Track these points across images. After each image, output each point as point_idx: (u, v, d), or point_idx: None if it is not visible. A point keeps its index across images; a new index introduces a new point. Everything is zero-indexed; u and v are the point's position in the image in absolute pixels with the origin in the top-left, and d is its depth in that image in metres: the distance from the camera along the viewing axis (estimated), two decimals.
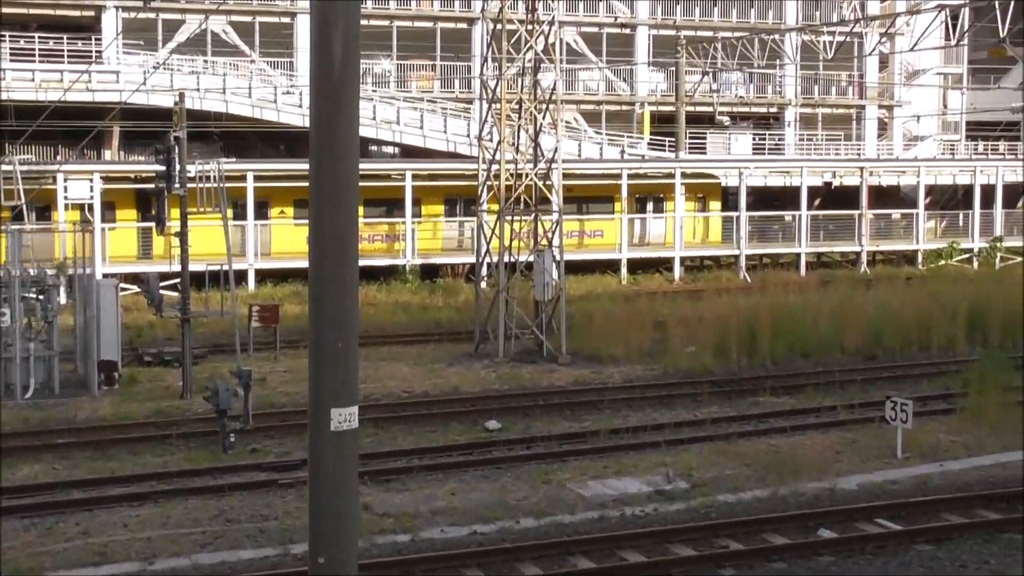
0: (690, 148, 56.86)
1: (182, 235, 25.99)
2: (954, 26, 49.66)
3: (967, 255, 53.26)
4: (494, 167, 31.46)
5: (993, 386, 24.23)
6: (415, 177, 45.14)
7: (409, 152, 53.35)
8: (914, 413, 20.80)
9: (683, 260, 48.55)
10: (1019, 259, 52.50)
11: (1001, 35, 38.63)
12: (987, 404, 23.51)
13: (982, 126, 65.78)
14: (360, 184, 7.63)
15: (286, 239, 43.90)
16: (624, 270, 47.08)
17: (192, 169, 27.32)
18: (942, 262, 52.05)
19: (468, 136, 51.53)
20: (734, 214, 50.23)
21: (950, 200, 59.95)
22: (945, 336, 31.23)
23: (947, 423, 23.31)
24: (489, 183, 32.10)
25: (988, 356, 26.96)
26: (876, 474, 19.66)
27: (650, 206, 50.90)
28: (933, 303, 33.33)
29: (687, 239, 49.97)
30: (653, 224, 50.43)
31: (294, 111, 50.49)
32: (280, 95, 51.22)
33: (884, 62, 65.94)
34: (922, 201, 53.46)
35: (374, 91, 53.51)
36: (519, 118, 31.70)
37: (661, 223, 50.36)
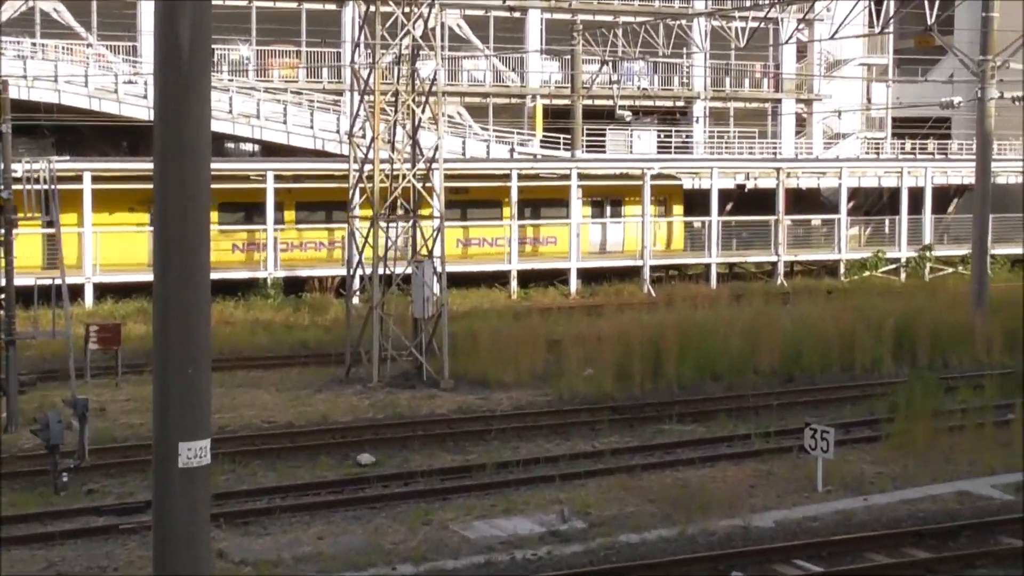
0: (588, 146, 57.35)
1: (6, 244, 25.50)
2: (878, 12, 50.79)
3: (894, 265, 54.44)
4: (367, 167, 31.41)
5: (922, 411, 24.73)
6: (279, 178, 44.94)
7: (271, 150, 53.00)
8: (836, 441, 21.17)
9: (581, 272, 48.96)
10: (950, 270, 53.87)
11: (929, 22, 39.61)
12: (916, 431, 24.02)
13: (909, 122, 67.35)
14: (213, 186, 7.60)
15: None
16: (514, 283, 47.32)
17: (18, 169, 26.80)
18: (866, 273, 53.13)
19: (338, 132, 51.35)
20: (636, 219, 50.75)
21: (875, 205, 61.28)
22: (870, 355, 31.86)
23: (872, 452, 23.78)
24: (362, 185, 31.99)
25: (917, 377, 27.50)
26: (794, 510, 19.98)
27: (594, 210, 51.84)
28: (857, 319, 34.00)
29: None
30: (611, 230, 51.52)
31: (138, 103, 49.86)
32: (121, 84, 50.54)
33: (802, 51, 67.23)
34: (844, 206, 54.57)
35: (230, 81, 53.10)
36: (395, 112, 31.68)
37: (619, 229, 51.42)
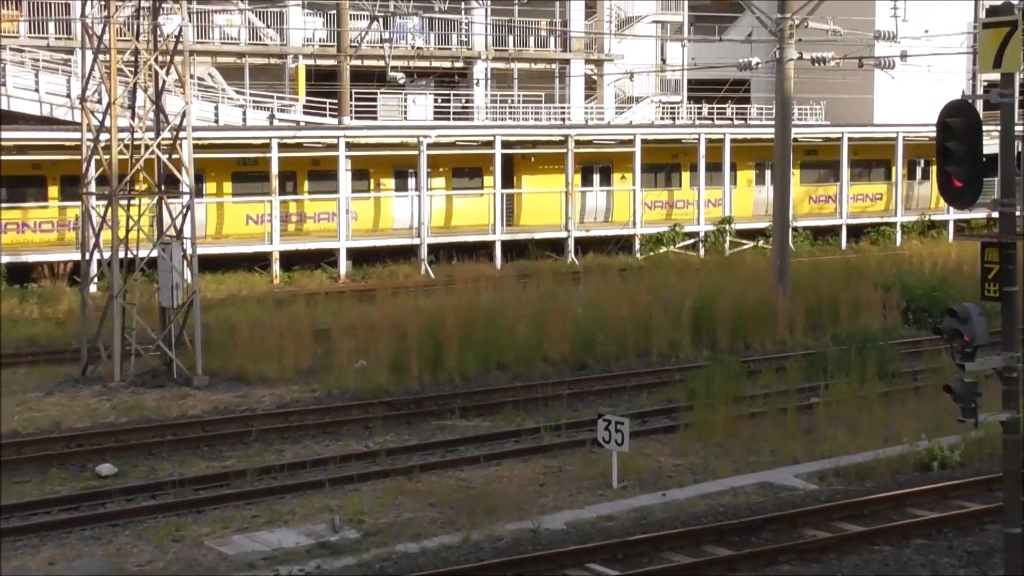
0: (356, 112, 57.14)
1: None
2: None
3: (692, 240, 55.57)
4: (103, 136, 30.78)
5: (722, 397, 25.40)
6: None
7: None
8: (631, 433, 21.58)
9: (351, 252, 48.80)
10: (749, 244, 55.27)
11: None
12: (716, 419, 24.66)
13: (706, 85, 68.82)
14: None
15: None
16: (276, 266, 46.93)
17: None
18: (663, 249, 54.11)
19: (68, 96, 50.22)
20: (410, 194, 50.82)
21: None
22: (667, 339, 32.48)
23: (670, 443, 24.30)
24: (97, 157, 31.33)
25: (716, 361, 28.17)
26: (588, 509, 20.29)
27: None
28: (653, 300, 34.63)
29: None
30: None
31: None
32: None
33: (591, 7, 68.11)
34: (638, 175, 55.38)
35: None
36: (136, 74, 31.12)
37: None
